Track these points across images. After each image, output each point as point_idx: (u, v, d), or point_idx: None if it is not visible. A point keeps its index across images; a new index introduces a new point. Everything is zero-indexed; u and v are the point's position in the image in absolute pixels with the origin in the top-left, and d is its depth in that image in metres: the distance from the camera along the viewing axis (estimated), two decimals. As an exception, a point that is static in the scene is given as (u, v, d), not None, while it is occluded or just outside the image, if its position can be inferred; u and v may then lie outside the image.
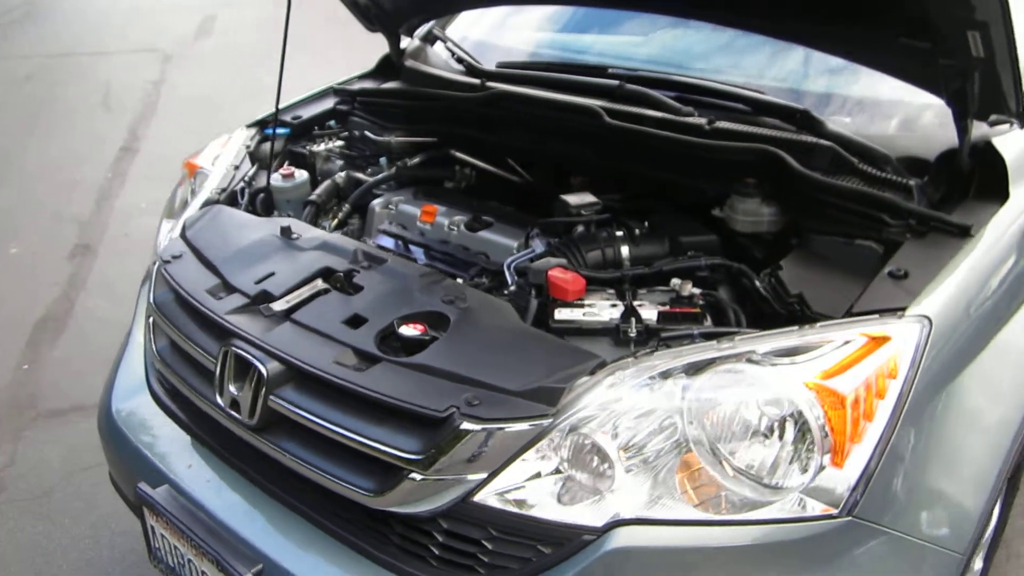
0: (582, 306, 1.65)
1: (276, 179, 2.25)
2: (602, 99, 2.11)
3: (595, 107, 2.03)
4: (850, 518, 1.33)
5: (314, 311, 1.63)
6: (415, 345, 1.51)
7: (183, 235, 1.96)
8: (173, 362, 1.77)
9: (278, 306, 1.65)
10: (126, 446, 1.84)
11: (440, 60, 2.67)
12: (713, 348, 1.40)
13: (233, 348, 1.58)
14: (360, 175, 2.35)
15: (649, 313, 1.60)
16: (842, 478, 1.33)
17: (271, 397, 1.52)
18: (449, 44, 2.58)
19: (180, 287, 1.77)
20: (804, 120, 1.88)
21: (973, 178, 1.74)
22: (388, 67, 2.72)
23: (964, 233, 1.60)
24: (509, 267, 1.87)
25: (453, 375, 1.42)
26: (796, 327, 1.42)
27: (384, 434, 1.41)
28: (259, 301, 1.67)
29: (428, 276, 1.71)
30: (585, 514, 1.35)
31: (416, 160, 2.37)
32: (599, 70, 2.23)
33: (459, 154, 2.38)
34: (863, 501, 1.33)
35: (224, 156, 2.34)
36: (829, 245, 1.73)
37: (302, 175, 2.27)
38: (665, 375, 1.38)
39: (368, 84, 2.69)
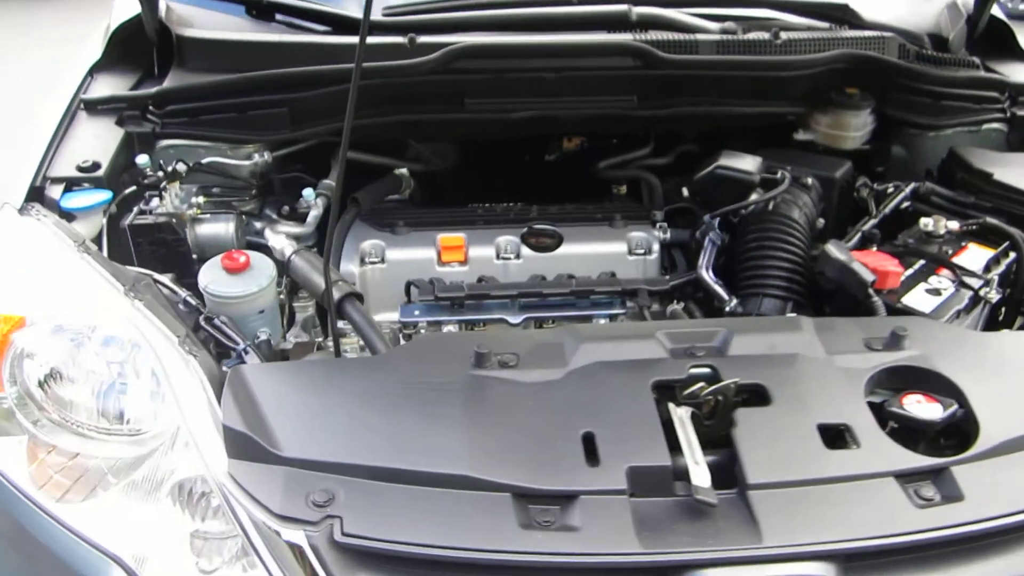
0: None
1: (215, 280, 1.19)
2: (607, 31, 1.59)
3: (636, 44, 1.52)
4: None
5: (761, 458, 0.94)
6: (948, 423, 1.00)
7: (262, 455, 0.92)
8: None
9: (701, 480, 0.91)
10: None
11: (214, 21, 1.67)
12: None
13: None
14: (289, 227, 1.42)
15: (973, 264, 1.35)
16: None
17: None
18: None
19: (453, 550, 0.85)
20: (848, 15, 1.70)
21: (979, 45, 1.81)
22: (134, 46, 1.60)
23: None
24: (708, 271, 1.42)
25: None
26: None
27: None
28: (650, 488, 0.91)
29: (793, 327, 1.14)
30: None
31: (334, 176, 1.53)
32: None
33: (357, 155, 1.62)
34: None
35: (49, 283, 1.14)
36: (956, 138, 1.64)
37: (265, 264, 1.23)
38: None
39: (117, 80, 1.56)
